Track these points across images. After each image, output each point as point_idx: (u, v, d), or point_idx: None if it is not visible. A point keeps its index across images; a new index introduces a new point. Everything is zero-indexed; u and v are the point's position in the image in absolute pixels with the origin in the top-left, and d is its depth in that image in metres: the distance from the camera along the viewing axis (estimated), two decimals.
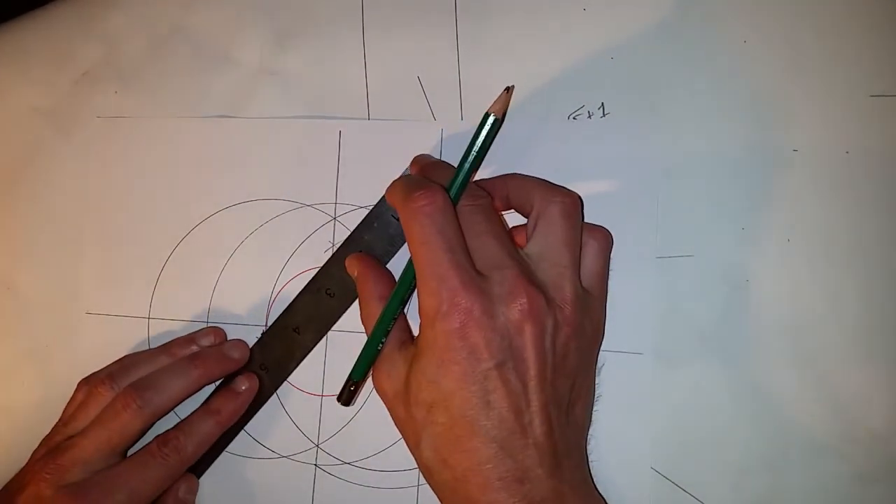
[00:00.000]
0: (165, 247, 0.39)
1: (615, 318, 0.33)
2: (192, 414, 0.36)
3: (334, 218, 0.37)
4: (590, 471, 0.32)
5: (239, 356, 0.36)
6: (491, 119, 0.30)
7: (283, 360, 0.37)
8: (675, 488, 0.33)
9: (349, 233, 0.36)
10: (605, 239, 0.32)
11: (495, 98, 0.30)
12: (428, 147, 0.36)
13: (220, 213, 0.38)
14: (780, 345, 0.33)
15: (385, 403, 0.31)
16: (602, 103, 0.35)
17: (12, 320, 0.40)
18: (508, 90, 0.31)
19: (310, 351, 0.37)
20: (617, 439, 0.34)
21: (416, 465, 0.31)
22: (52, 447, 0.34)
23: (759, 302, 0.33)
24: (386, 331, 0.31)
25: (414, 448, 0.30)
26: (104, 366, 0.37)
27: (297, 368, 0.37)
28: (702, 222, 0.34)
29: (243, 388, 0.36)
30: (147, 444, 0.34)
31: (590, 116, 0.35)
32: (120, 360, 0.37)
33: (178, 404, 0.35)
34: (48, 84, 0.41)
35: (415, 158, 0.35)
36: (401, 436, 0.31)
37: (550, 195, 0.31)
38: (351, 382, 0.32)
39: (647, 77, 0.35)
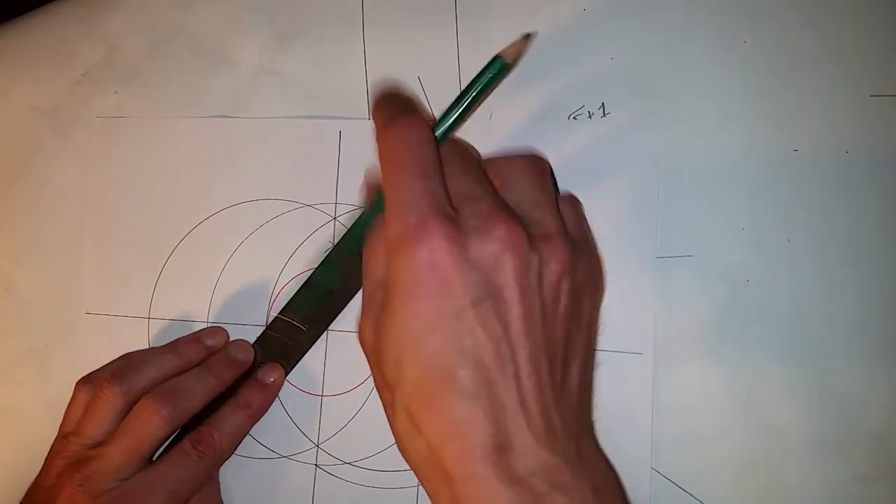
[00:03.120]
0: (165, 247, 0.39)
1: (615, 318, 0.33)
2: (222, 409, 0.35)
3: (334, 218, 0.37)
4: (598, 445, 0.29)
5: (244, 357, 0.36)
6: (500, 62, 0.27)
7: (282, 358, 0.37)
8: (675, 488, 0.33)
9: (346, 229, 0.36)
10: (576, 199, 0.32)
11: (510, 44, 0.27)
12: None
13: (220, 213, 0.38)
14: (780, 345, 0.33)
15: (368, 363, 0.29)
16: (602, 103, 0.35)
17: (12, 320, 0.40)
18: (528, 37, 0.27)
19: (309, 348, 0.37)
20: (617, 439, 0.34)
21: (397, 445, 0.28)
22: (75, 459, 0.33)
23: (759, 302, 0.33)
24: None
25: (391, 418, 0.27)
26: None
27: (297, 368, 0.37)
28: (702, 222, 0.34)
29: (271, 379, 0.36)
30: (179, 444, 0.34)
31: (590, 116, 0.35)
32: (122, 357, 0.36)
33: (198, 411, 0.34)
34: (48, 84, 0.41)
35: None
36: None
37: (513, 158, 0.29)
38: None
39: (647, 77, 0.35)
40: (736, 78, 0.34)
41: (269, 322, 0.37)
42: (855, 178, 0.33)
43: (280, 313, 0.37)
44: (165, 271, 0.39)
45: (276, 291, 0.38)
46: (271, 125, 0.38)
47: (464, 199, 0.26)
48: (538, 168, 0.29)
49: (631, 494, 0.33)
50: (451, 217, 0.25)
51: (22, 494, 0.34)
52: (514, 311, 0.25)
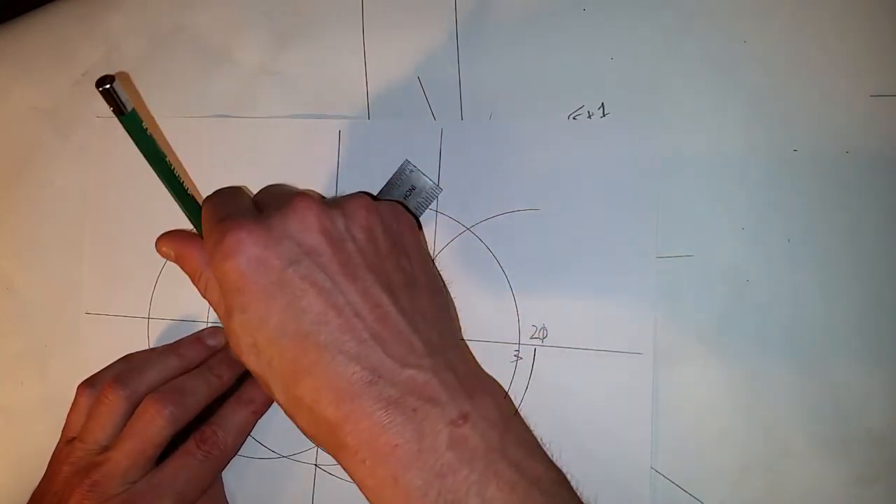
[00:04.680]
0: None
1: (615, 318, 0.34)
2: (224, 407, 0.35)
3: None
4: (471, 356, 0.32)
5: None
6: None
7: None
8: (675, 488, 0.33)
9: None
10: None
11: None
12: (428, 147, 0.36)
13: None
14: (780, 345, 0.33)
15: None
16: (602, 103, 0.35)
17: (12, 320, 0.40)
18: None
19: None
20: (617, 439, 0.34)
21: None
22: (82, 465, 0.32)
23: (759, 302, 0.33)
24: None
25: (282, 406, 0.28)
26: (104, 366, 0.36)
27: None
28: (702, 222, 0.34)
29: None
30: (184, 445, 0.33)
31: (590, 116, 0.35)
32: (123, 359, 0.36)
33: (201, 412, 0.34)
34: (48, 84, 0.41)
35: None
36: None
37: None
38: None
39: (647, 77, 0.35)
40: (736, 78, 0.34)
41: None
42: (855, 178, 0.33)
43: None
44: (165, 271, 0.39)
45: None
46: (271, 125, 0.38)
47: (262, 203, 0.30)
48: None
49: (631, 494, 0.33)
50: (251, 213, 0.28)
51: (22, 494, 0.34)
52: (333, 261, 0.27)
